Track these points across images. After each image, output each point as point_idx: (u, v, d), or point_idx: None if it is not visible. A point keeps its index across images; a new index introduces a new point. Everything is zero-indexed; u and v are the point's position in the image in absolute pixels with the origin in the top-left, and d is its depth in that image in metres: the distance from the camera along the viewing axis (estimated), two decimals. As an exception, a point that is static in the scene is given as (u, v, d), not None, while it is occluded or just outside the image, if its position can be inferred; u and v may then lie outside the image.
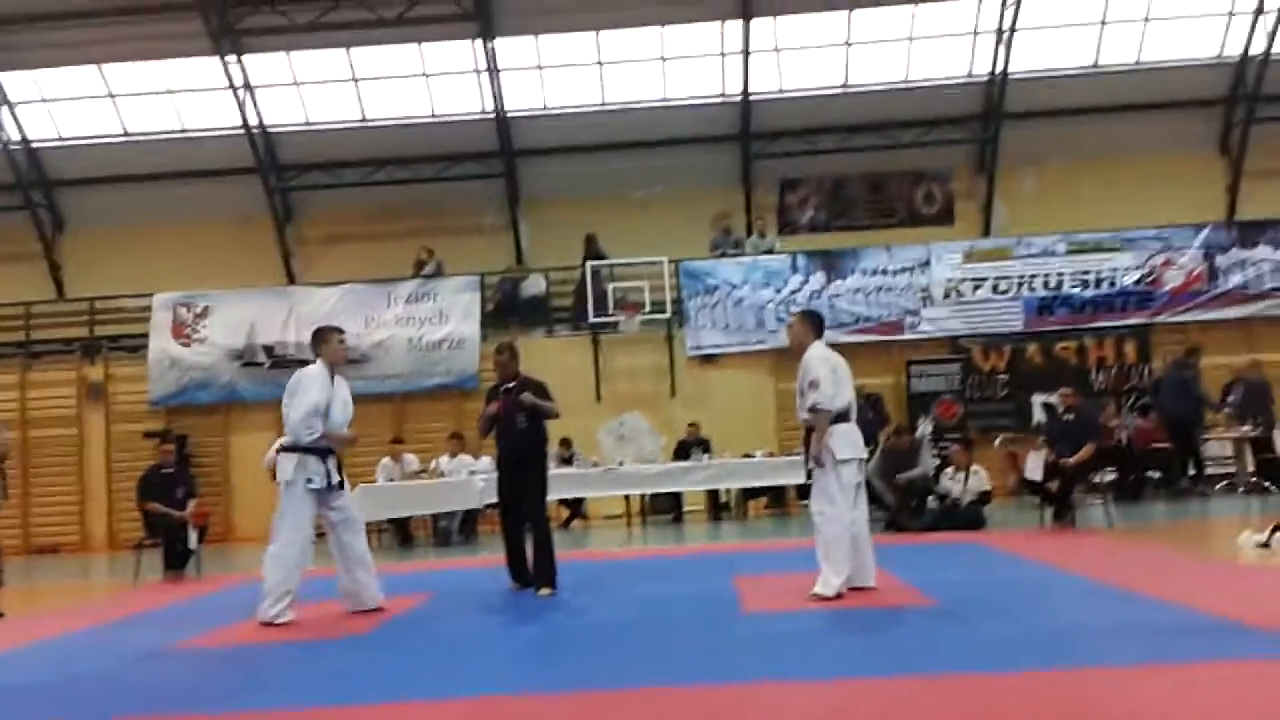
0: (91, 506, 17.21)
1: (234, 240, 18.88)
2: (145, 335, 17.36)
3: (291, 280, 18.78)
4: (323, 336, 7.56)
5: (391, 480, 14.14)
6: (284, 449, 7.19)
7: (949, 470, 11.69)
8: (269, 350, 17.02)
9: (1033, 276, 16.96)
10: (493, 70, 17.86)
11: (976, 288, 16.88)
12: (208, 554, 11.60)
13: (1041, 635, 5.38)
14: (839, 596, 6.66)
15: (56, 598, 10.23)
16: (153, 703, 4.95)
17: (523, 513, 8.23)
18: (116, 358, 17.79)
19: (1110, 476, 13.23)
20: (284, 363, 16.88)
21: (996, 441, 15.48)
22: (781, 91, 18.55)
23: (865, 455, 7.13)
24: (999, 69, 18.11)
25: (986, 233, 18.51)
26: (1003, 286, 16.94)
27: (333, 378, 7.39)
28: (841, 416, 7.01)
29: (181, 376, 17.09)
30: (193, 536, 10.90)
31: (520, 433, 8.15)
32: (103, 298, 18.25)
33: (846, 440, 6.97)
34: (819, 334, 7.31)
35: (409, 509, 13.98)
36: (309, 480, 7.10)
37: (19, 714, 4.78)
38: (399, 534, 14.18)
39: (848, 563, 6.80)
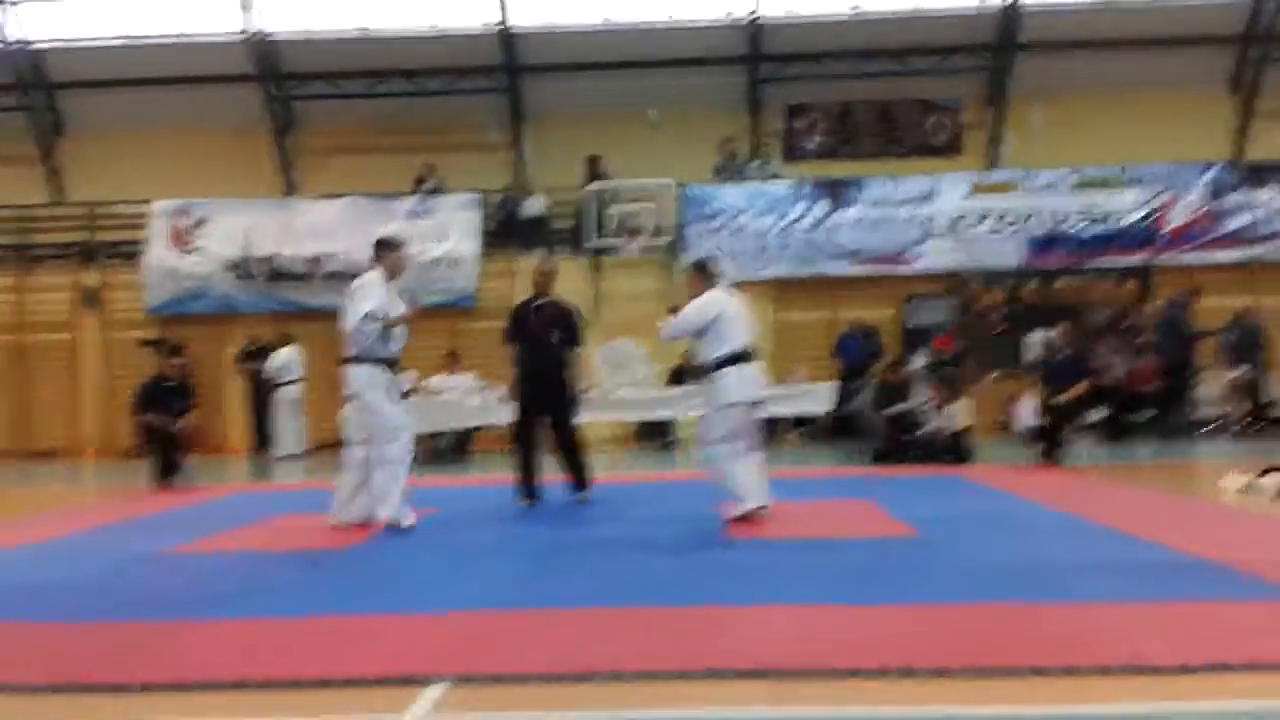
0: (85, 412, 17.28)
1: (233, 149, 18.69)
2: (142, 243, 17.27)
3: (291, 192, 18.64)
4: (386, 245, 7.59)
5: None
6: (351, 360, 7.13)
7: (928, 408, 11.69)
8: (266, 262, 16.92)
9: (1037, 212, 16.82)
10: (498, -17, 17.53)
11: (980, 221, 16.76)
12: (198, 465, 11.68)
13: (1018, 568, 5.43)
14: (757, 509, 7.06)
15: (48, 501, 10.31)
16: (144, 607, 5.01)
17: (542, 427, 8.52)
18: (113, 264, 17.71)
19: (1101, 415, 13.27)
20: (281, 275, 16.84)
21: (991, 377, 15.52)
22: (791, 14, 18.22)
23: (757, 398, 7.32)
24: (1013, -2, 17.79)
25: (994, 166, 18.32)
26: (1007, 221, 16.81)
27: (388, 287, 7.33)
28: (733, 359, 7.17)
29: (177, 286, 17.02)
30: (186, 455, 10.97)
31: (551, 349, 8.45)
32: (101, 203, 18.12)
33: (738, 383, 7.16)
34: (711, 282, 7.54)
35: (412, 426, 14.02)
36: (381, 388, 7.14)
37: (8, 614, 4.83)
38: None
39: (753, 487, 7.15)
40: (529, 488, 8.52)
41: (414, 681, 3.65)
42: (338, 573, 5.85)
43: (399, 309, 7.34)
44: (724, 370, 7.15)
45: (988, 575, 5.24)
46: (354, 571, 5.89)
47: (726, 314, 7.28)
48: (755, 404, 7.33)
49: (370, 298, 7.09)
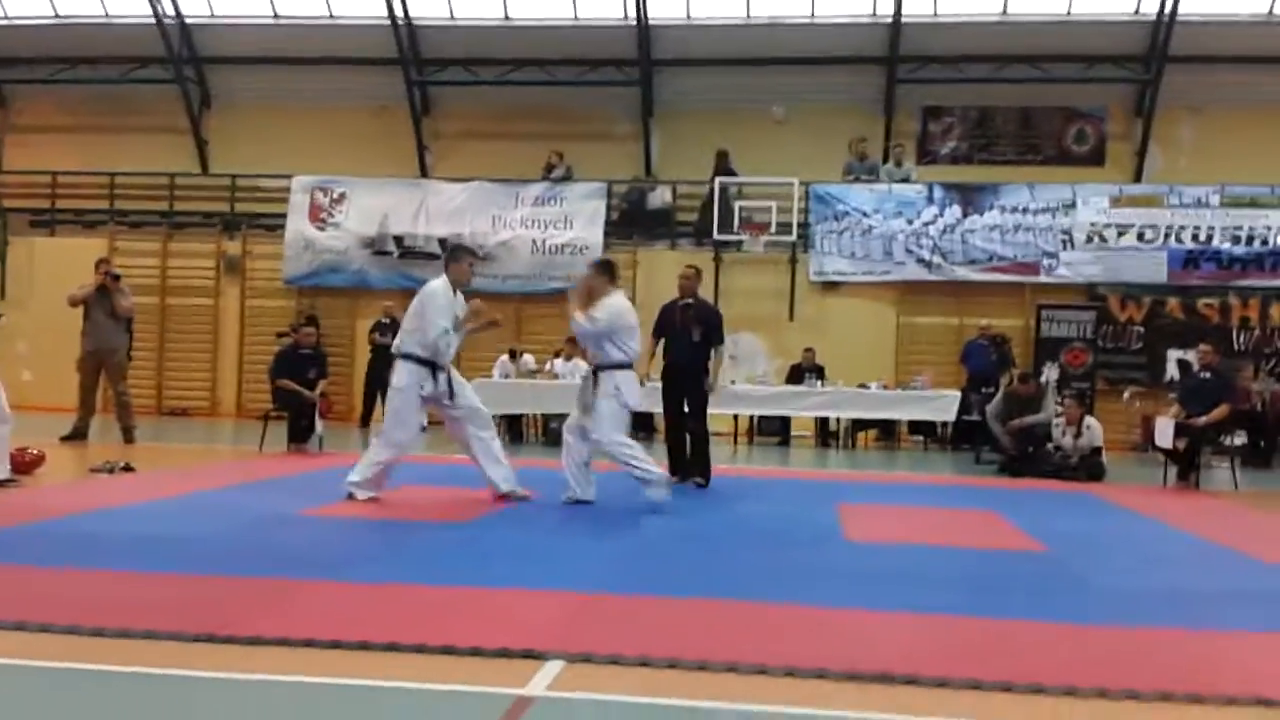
0: (222, 374, 17.98)
1: (372, 129, 19.18)
2: (283, 215, 17.86)
3: (424, 173, 19.04)
4: (457, 255, 7.91)
5: (507, 377, 14.40)
6: (404, 356, 7.44)
7: (1059, 423, 11.32)
8: (399, 240, 17.34)
9: (1181, 228, 16.18)
10: (637, -26, 17.58)
11: (1121, 234, 16.19)
12: (329, 432, 12.04)
13: (1152, 592, 5.23)
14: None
15: (185, 458, 10.74)
16: (277, 565, 5.17)
17: (684, 417, 9.13)
18: (254, 234, 18.37)
19: (1241, 440, 12.69)
20: (412, 254, 17.24)
21: (1125, 395, 15.02)
22: (935, 15, 17.87)
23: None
24: (1168, 8, 17.10)
25: (1138, 178, 17.67)
26: (1149, 235, 16.20)
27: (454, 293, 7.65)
28: (629, 365, 7.63)
29: (314, 258, 17.56)
30: (318, 421, 11.31)
31: (693, 346, 9.06)
32: (244, 175, 18.79)
33: (636, 388, 7.69)
34: (616, 284, 7.77)
35: (521, 407, 14.24)
36: (421, 387, 7.42)
37: (142, 564, 5.03)
38: (510, 430, 14.47)
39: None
40: (676, 464, 9.14)
41: (534, 656, 3.68)
42: (462, 544, 5.95)
43: (459, 316, 7.67)
44: (627, 373, 7.53)
45: (1117, 596, 5.06)
46: (477, 544, 5.98)
47: (635, 322, 7.64)
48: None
49: (441, 313, 7.42)
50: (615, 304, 7.52)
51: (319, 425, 11.33)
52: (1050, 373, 14.65)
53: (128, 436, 11.68)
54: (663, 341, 9.47)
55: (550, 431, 14.20)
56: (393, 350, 7.61)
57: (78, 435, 11.50)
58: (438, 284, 7.56)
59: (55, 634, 3.80)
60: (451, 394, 7.53)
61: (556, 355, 14.67)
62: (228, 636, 3.81)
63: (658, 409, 14.70)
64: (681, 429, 9.23)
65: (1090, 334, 15.65)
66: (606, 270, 7.78)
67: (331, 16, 19.01)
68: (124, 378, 12.05)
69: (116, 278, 11.78)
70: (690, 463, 9.15)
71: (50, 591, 4.42)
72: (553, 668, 3.60)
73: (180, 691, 3.34)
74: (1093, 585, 5.34)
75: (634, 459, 7.47)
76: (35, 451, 8.57)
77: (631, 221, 17.85)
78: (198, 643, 3.76)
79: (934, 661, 3.74)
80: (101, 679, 3.40)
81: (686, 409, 9.18)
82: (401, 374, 7.45)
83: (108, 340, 11.72)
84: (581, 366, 14.44)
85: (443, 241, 17.16)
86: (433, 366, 7.44)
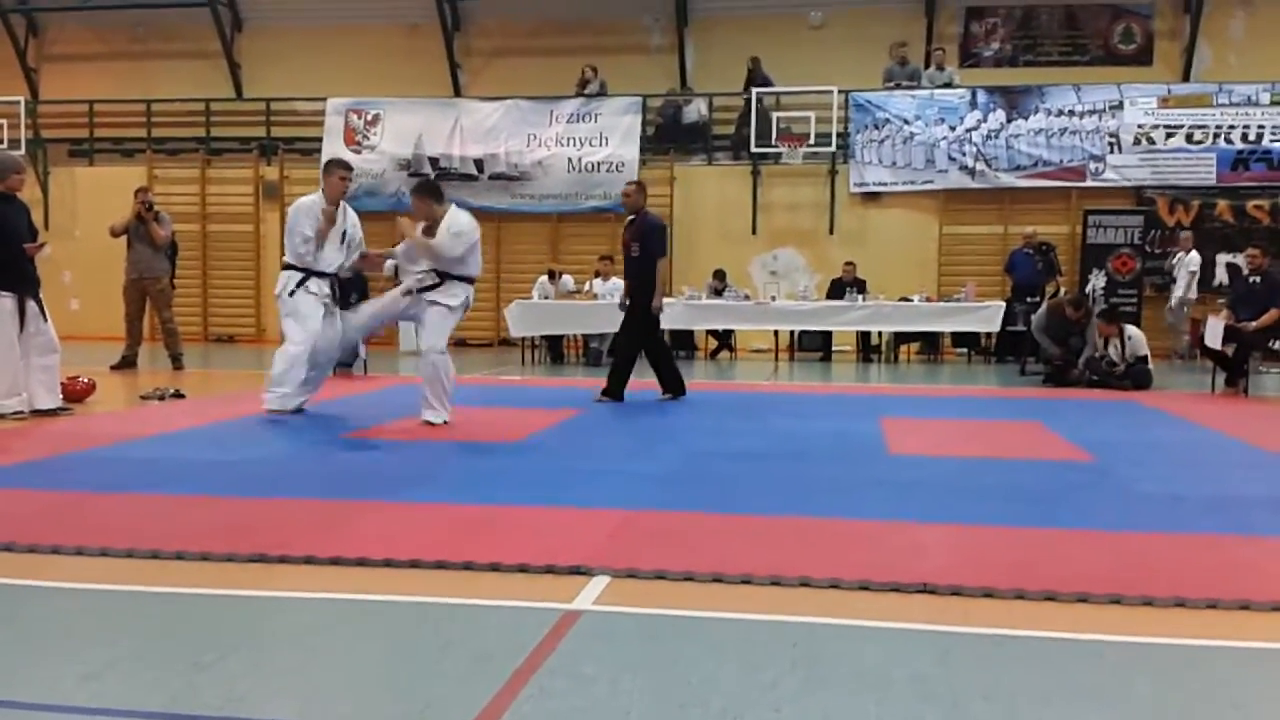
0: (266, 301, 18.10)
1: (404, 47, 18.97)
2: (319, 139, 17.81)
3: (458, 92, 18.86)
4: (327, 169, 8.18)
5: (546, 298, 14.41)
6: (284, 266, 7.93)
7: (1099, 340, 11.11)
8: (434, 162, 17.24)
9: (1231, 128, 15.74)
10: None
11: (1169, 135, 15.77)
12: (370, 357, 12.14)
13: (1200, 498, 5.19)
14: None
15: (233, 384, 10.89)
16: (326, 487, 5.26)
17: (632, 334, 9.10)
18: (291, 159, 18.35)
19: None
20: (448, 175, 17.14)
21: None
22: (976, -89, 17.28)
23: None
24: (1219, -106, 16.42)
25: (1186, 77, 17.13)
26: (1198, 136, 15.78)
27: (336, 208, 7.91)
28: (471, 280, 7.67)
29: (352, 183, 17.49)
30: (361, 345, 11.40)
31: (633, 261, 8.98)
32: (278, 99, 18.71)
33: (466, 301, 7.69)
34: (442, 205, 7.62)
35: (562, 327, 14.26)
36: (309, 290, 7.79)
37: (193, 488, 5.14)
38: (551, 351, 14.52)
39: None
40: (663, 380, 9.23)
41: (581, 572, 3.74)
42: (508, 464, 6.01)
43: (344, 228, 8.02)
44: (466, 285, 7.56)
45: (1166, 504, 5.03)
46: (523, 464, 6.04)
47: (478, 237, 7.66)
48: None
49: (303, 224, 7.81)
50: (466, 224, 7.47)
51: (362, 349, 11.43)
52: (1097, 280, 14.41)
53: (176, 363, 11.87)
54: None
55: (591, 352, 14.26)
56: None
57: (126, 363, 11.70)
58: (308, 199, 7.94)
59: (113, 557, 3.91)
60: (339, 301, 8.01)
61: (596, 275, 14.63)
62: (282, 556, 3.89)
63: (697, 325, 14.92)
64: (649, 347, 9.21)
65: (1138, 239, 15.35)
66: (433, 192, 7.71)
67: (359, -69, 18.71)
68: (169, 305, 12.20)
69: (150, 206, 11.84)
70: (609, 378, 9.05)
71: (105, 517, 4.53)
72: (599, 583, 3.65)
73: (235, 610, 3.42)
74: (1139, 493, 5.31)
75: (443, 378, 7.42)
76: (86, 380, 8.72)
77: (667, 136, 17.63)
78: (250, 563, 3.85)
79: (979, 572, 3.75)
80: (159, 600, 3.49)
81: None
82: (279, 282, 7.90)
83: (150, 269, 11.85)
84: (619, 284, 14.47)
85: (478, 162, 17.10)
86: (318, 275, 7.81)
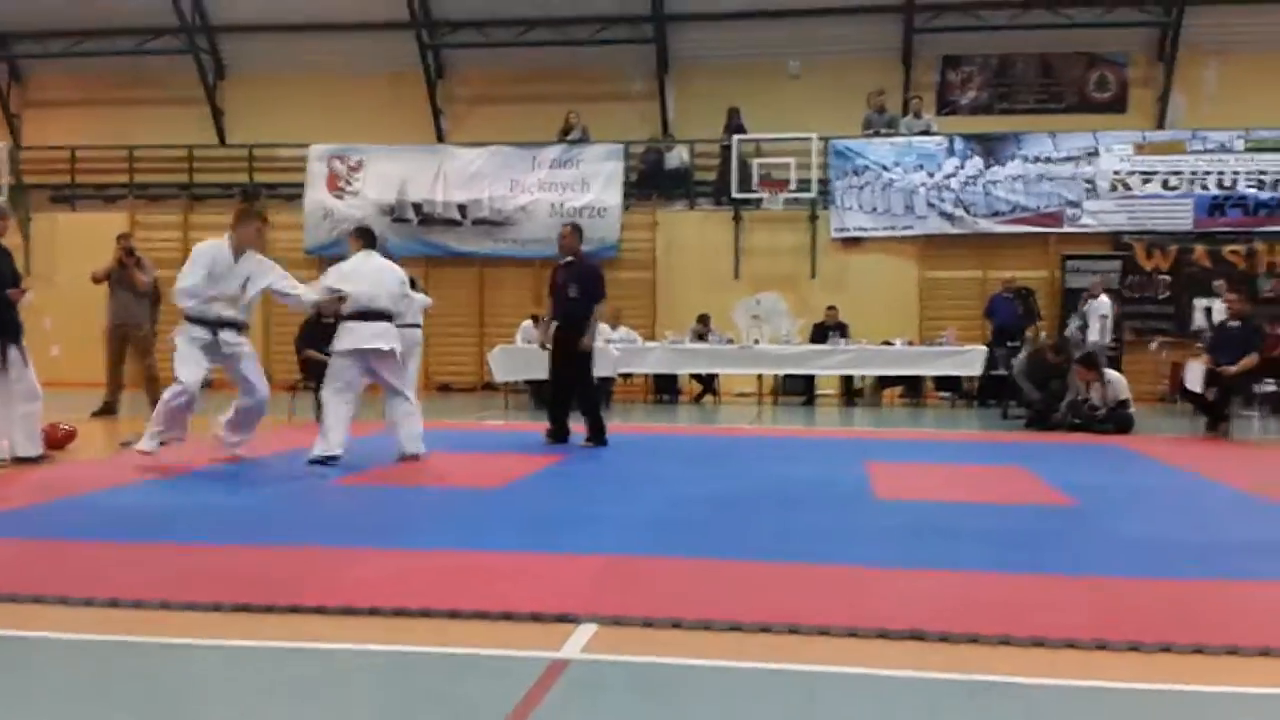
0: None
1: (387, 95, 19.09)
2: (301, 185, 17.85)
3: (441, 138, 18.97)
4: (241, 216, 8.14)
5: (529, 343, 14.39)
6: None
7: (1080, 384, 11.17)
8: (417, 208, 17.29)
9: (1206, 174, 15.98)
10: (651, -71, 17.35)
11: (1145, 182, 15.99)
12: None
13: (1184, 543, 5.21)
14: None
15: (214, 430, 10.79)
16: (312, 533, 5.22)
17: (566, 376, 9.14)
18: (274, 205, 18.35)
19: (1271, 389, 12.58)
20: (431, 220, 17.21)
21: (1153, 344, 14.91)
22: (951, -39, 17.59)
23: (364, 347, 7.89)
24: (1188, -53, 16.79)
25: (1161, 124, 17.41)
26: (1173, 182, 16.00)
27: (237, 257, 7.90)
28: (354, 316, 7.97)
29: (334, 228, 17.52)
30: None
31: (570, 302, 9.02)
32: (261, 145, 18.77)
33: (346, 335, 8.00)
34: (368, 246, 8.31)
35: (545, 372, 14.19)
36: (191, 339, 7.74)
37: (179, 535, 5.09)
38: (535, 395, 14.49)
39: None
40: (557, 426, 9.28)
41: (568, 619, 3.71)
42: (494, 510, 5.98)
43: (245, 274, 7.98)
44: (349, 324, 7.94)
45: (1150, 549, 5.04)
46: (510, 510, 6.01)
47: (366, 272, 8.05)
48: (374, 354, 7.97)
49: (197, 267, 7.79)
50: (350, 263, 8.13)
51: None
52: (1075, 323, 14.51)
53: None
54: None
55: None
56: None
57: (108, 410, 11.61)
58: (209, 243, 7.98)
59: (97, 607, 3.86)
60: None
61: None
62: (266, 605, 3.85)
63: (680, 370, 14.96)
64: (561, 387, 9.26)
65: (1116, 284, 15.50)
66: (361, 234, 8.42)
67: (343, -19, 18.89)
68: (150, 351, 12.12)
69: (131, 252, 11.82)
70: (588, 426, 9.07)
71: (88, 565, 4.47)
72: (586, 631, 3.62)
73: (219, 661, 3.38)
74: (1123, 538, 5.32)
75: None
76: (67, 427, 8.65)
77: (650, 182, 17.76)
78: (232, 612, 3.81)
79: (966, 618, 3.74)
80: (143, 650, 3.45)
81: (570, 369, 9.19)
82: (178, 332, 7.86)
83: (131, 315, 11.80)
84: (603, 330, 14.50)
85: (462, 207, 17.17)
86: (199, 321, 7.75)
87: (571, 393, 9.25)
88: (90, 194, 19.12)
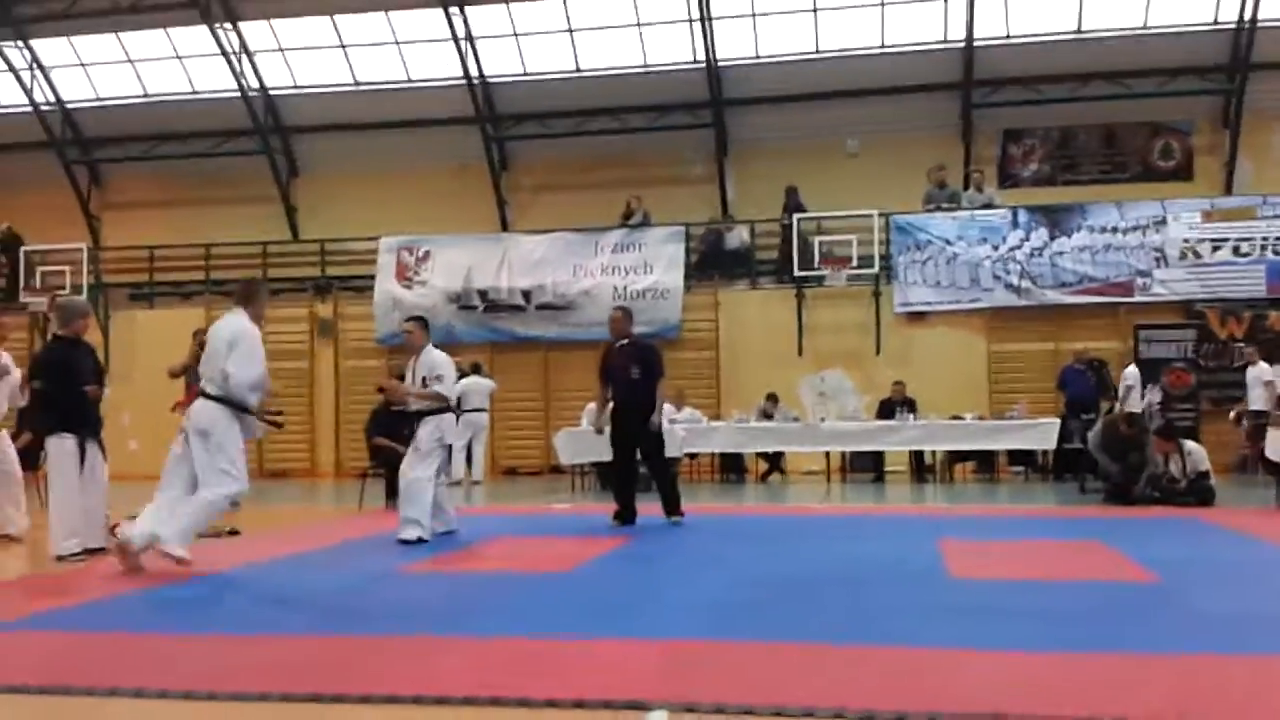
0: (320, 435, 18.35)
1: (453, 187, 19.58)
2: (372, 276, 18.27)
3: (505, 227, 19.36)
4: (259, 291, 7.83)
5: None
6: (216, 398, 7.02)
7: (1159, 457, 10.87)
8: (483, 294, 17.62)
9: (1278, 238, 15.67)
10: (705, 16, 17.72)
11: (1216, 249, 15.73)
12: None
13: (1269, 618, 5.02)
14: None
15: (287, 520, 10.96)
16: (381, 622, 5.23)
17: (637, 456, 9.25)
18: (345, 296, 18.82)
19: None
20: (496, 306, 17.49)
21: (1231, 414, 14.50)
22: (1009, 37, 17.69)
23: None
24: (1248, 15, 16.70)
25: (1228, 190, 17.20)
26: (1244, 248, 15.73)
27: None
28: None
29: (404, 317, 17.85)
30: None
31: (632, 384, 9.10)
32: (332, 240, 19.31)
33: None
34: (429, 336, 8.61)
35: (609, 454, 14.23)
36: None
37: (255, 627, 5.13)
38: (601, 478, 14.48)
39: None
40: (625, 508, 9.18)
41: (639, 706, 3.66)
42: (563, 595, 5.96)
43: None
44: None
45: (1235, 625, 4.87)
46: (578, 594, 5.98)
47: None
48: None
49: (260, 353, 7.31)
50: (447, 360, 8.53)
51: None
52: (1153, 395, 14.22)
53: (232, 501, 11.94)
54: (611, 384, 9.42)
55: (642, 478, 14.20)
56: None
57: (184, 501, 11.79)
58: (253, 325, 7.41)
59: (172, 699, 3.89)
60: None
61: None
62: (336, 695, 3.85)
63: (746, 449, 14.88)
64: (628, 468, 9.29)
65: (1191, 353, 15.18)
66: (423, 323, 8.74)
67: (409, 80, 19.54)
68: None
69: (205, 346, 12.11)
70: (663, 500, 9.22)
71: (162, 657, 4.52)
72: (657, 718, 3.57)
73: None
74: (1207, 613, 5.15)
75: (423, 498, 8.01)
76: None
77: (711, 263, 17.90)
78: (307, 702, 3.82)
79: (1048, 699, 3.62)
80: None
81: (640, 449, 9.25)
82: (220, 418, 7.09)
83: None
84: (669, 410, 14.51)
85: (526, 293, 17.43)
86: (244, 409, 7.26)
87: (636, 474, 9.33)
88: (168, 291, 19.77)
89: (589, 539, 8.38)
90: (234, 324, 7.31)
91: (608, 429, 9.33)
